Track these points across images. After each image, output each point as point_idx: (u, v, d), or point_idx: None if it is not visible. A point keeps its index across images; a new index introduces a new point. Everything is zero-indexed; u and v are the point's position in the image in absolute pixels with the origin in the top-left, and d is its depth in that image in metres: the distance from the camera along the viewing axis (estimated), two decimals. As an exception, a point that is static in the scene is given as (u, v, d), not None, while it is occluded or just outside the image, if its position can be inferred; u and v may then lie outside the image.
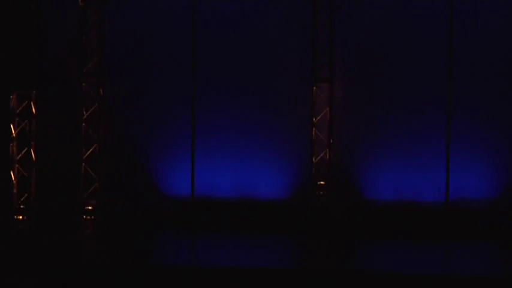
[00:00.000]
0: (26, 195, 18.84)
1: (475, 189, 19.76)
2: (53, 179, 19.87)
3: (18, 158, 18.82)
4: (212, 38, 20.16)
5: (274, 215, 20.09)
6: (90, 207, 20.19)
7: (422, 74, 19.87)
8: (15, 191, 18.83)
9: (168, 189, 20.39)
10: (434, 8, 19.68)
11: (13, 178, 18.83)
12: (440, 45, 19.57)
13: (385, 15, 20.03)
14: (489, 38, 19.66)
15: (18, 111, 18.85)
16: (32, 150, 18.79)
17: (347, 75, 20.03)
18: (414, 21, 19.91)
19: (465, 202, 19.74)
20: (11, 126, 18.85)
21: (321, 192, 19.85)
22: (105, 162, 20.33)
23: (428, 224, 19.67)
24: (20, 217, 18.78)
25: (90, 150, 20.14)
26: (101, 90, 20.19)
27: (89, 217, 20.14)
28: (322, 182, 19.86)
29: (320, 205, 19.79)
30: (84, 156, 20.14)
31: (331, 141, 19.82)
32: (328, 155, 19.81)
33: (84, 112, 20.16)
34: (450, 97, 19.29)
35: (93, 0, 20.13)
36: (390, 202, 20.02)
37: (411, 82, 19.95)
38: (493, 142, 19.76)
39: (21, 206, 18.80)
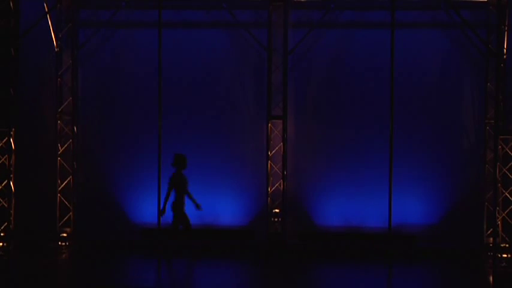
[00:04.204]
0: (6, 223, 19.02)
1: (416, 216, 20.23)
2: (31, 209, 20.16)
3: (-2, 189, 19.18)
4: (176, 79, 20.65)
5: (234, 240, 20.56)
6: (65, 234, 20.62)
7: (366, 111, 20.39)
8: (-5, 220, 19.12)
9: (136, 218, 20.76)
10: (376, 52, 20.21)
11: (-6, 208, 19.15)
12: (382, 85, 19.93)
13: (332, 59, 20.55)
14: (425, 72, 20.28)
15: (-2, 147, 19.22)
16: (11, 183, 19.00)
17: (299, 113, 20.56)
18: (358, 65, 20.41)
19: (406, 228, 20.21)
20: (-8, 160, 19.17)
21: (276, 220, 20.29)
22: (79, 193, 20.76)
23: (373, 248, 20.17)
24: (0, 244, 19.00)
25: (65, 182, 20.57)
26: (74, 128, 20.66)
27: (64, 243, 20.54)
28: (277, 210, 20.32)
29: (275, 231, 20.25)
30: (60, 188, 20.56)
31: (285, 172, 20.19)
32: (282, 186, 20.20)
33: (60, 147, 20.65)
34: (392, 132, 19.20)
35: (68, 46, 20.66)
36: (338, 228, 20.42)
37: (356, 118, 20.43)
38: (432, 175, 20.21)
39: (1, 234, 19.04)
